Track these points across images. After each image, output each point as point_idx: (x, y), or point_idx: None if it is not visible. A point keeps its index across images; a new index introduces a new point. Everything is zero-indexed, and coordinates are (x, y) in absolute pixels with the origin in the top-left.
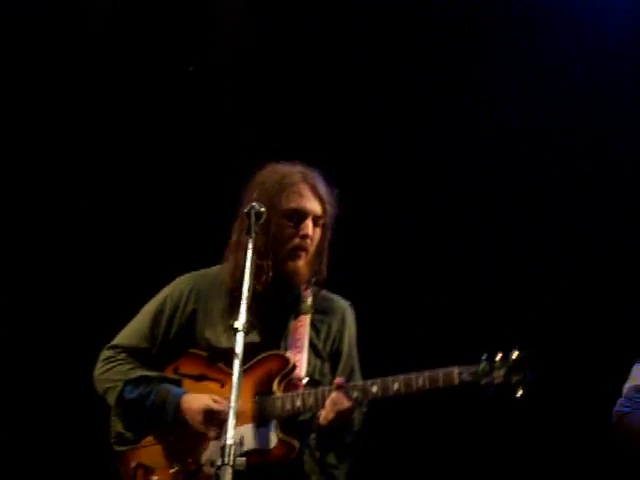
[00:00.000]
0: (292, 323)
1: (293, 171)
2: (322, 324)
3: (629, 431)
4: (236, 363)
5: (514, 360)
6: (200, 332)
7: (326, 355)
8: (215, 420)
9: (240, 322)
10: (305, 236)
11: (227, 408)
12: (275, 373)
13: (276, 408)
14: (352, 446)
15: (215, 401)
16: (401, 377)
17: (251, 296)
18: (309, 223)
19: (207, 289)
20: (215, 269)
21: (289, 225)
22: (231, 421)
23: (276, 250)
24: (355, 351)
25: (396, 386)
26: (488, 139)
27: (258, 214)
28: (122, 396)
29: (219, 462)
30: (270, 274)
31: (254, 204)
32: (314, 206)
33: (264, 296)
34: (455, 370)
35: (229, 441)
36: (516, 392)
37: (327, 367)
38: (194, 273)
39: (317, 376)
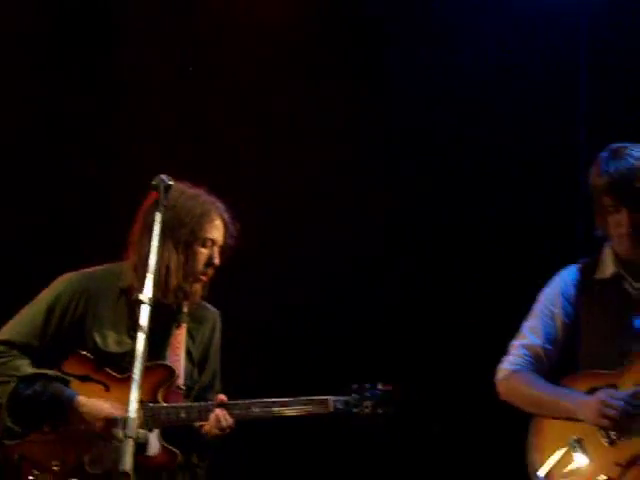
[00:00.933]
0: (174, 331)
1: (212, 203)
2: (197, 332)
3: (515, 388)
4: (140, 336)
5: (381, 393)
6: (88, 335)
7: (196, 361)
8: (115, 426)
9: (145, 295)
10: (214, 265)
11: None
12: (160, 382)
13: (161, 417)
14: (211, 446)
15: (115, 408)
16: (281, 400)
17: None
18: (218, 254)
19: (96, 291)
20: (102, 269)
21: (202, 252)
22: (134, 394)
23: (184, 270)
24: (218, 356)
25: (276, 409)
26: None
27: (167, 187)
28: (17, 392)
29: (121, 435)
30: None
31: (163, 177)
32: (224, 239)
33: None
34: (330, 399)
35: (132, 414)
36: (381, 423)
37: (196, 372)
38: (83, 272)
39: (190, 382)
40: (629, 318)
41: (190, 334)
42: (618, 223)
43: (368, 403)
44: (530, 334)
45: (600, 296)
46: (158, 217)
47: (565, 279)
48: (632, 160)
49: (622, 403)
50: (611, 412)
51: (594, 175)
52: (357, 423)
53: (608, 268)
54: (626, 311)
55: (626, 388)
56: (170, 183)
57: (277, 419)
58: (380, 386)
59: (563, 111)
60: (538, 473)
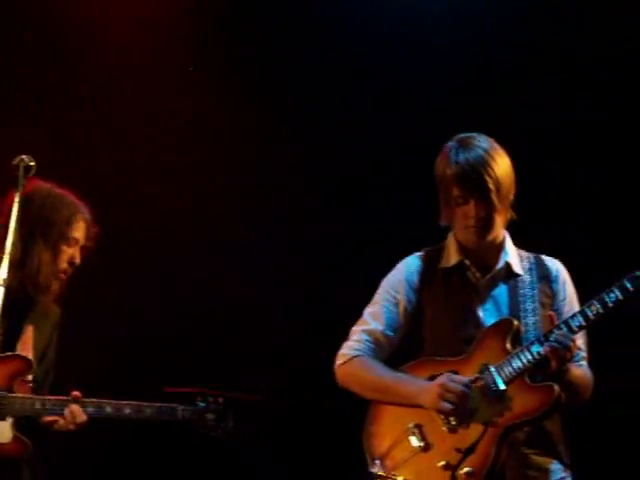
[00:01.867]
0: (26, 326)
1: (78, 204)
2: (44, 327)
3: (355, 373)
4: None
5: (222, 407)
6: None
7: (38, 356)
8: None
9: (1, 276)
10: (75, 264)
11: None
12: (16, 373)
13: (15, 407)
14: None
15: None
16: (133, 403)
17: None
18: (79, 253)
19: None
20: None
21: (66, 251)
22: None
23: (51, 268)
24: (55, 354)
25: (127, 410)
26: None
27: (27, 167)
28: None
29: None
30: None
31: (24, 157)
32: (86, 239)
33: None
34: (179, 407)
35: None
36: (220, 436)
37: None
38: None
39: (34, 376)
40: (472, 307)
41: (39, 329)
42: (466, 214)
43: (211, 416)
44: (372, 320)
45: (444, 284)
46: (17, 198)
47: (409, 266)
48: (480, 151)
49: (462, 387)
50: (451, 396)
51: (442, 165)
52: (202, 432)
53: (452, 257)
54: (469, 300)
55: (468, 375)
56: (31, 164)
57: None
58: (220, 399)
59: None
60: (376, 460)
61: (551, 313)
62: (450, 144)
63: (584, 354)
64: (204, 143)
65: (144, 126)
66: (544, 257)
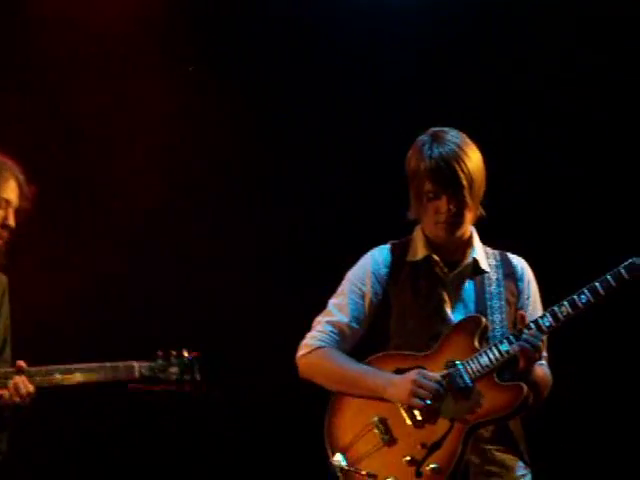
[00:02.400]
0: None
1: (7, 164)
2: None
3: (318, 364)
4: None
5: (186, 359)
6: None
7: None
8: None
9: None
10: (9, 227)
11: None
12: None
13: None
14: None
15: None
16: (83, 366)
17: None
18: (13, 215)
19: None
20: None
21: None
22: None
23: None
24: (9, 322)
25: (78, 375)
26: None
27: None
28: None
29: None
30: None
31: None
32: (19, 200)
33: None
34: (135, 364)
35: None
36: (187, 390)
37: None
38: None
39: None
40: (439, 302)
41: None
42: (437, 209)
43: (174, 369)
44: (337, 311)
45: (411, 278)
46: None
47: (376, 259)
48: (454, 146)
49: (435, 384)
50: (423, 392)
51: (415, 159)
52: (164, 389)
53: (419, 251)
54: (436, 295)
55: (434, 371)
56: None
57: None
58: (186, 353)
59: None
60: (338, 452)
61: (522, 312)
62: (423, 138)
63: (545, 354)
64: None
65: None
66: (510, 255)
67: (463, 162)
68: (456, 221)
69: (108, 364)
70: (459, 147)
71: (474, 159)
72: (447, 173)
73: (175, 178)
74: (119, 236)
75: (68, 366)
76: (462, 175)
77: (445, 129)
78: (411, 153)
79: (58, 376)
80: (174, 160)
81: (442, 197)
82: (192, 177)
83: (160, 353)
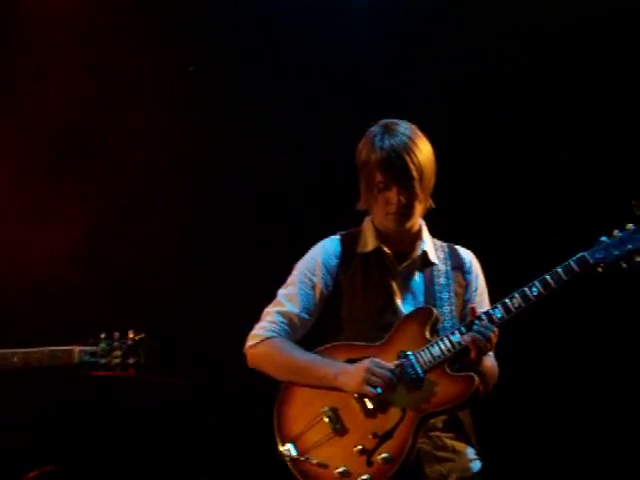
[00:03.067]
0: None
1: None
2: None
3: (269, 354)
4: None
5: (131, 342)
6: None
7: None
8: None
9: None
10: None
11: None
12: None
13: None
14: None
15: None
16: (20, 351)
17: None
18: None
19: None
20: None
21: None
22: None
23: None
24: None
25: (16, 359)
26: None
27: None
28: None
29: None
30: None
31: None
32: None
33: None
34: (76, 348)
35: None
36: (131, 374)
37: None
38: None
39: None
40: (390, 293)
41: None
42: (387, 201)
43: (117, 353)
44: (287, 302)
45: (361, 270)
46: None
47: (327, 250)
48: (405, 138)
49: (388, 373)
50: (376, 380)
51: (366, 150)
52: (106, 374)
53: (369, 242)
54: (387, 287)
55: (386, 361)
56: None
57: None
58: (131, 334)
59: None
60: (287, 442)
61: (473, 305)
62: (374, 129)
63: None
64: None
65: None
66: (458, 247)
67: (414, 154)
68: (406, 212)
69: (46, 348)
70: (410, 139)
71: (425, 151)
72: (398, 164)
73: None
74: None
75: (5, 350)
76: (412, 167)
77: (396, 121)
78: (362, 144)
79: None
80: None
81: (392, 188)
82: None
83: (103, 336)
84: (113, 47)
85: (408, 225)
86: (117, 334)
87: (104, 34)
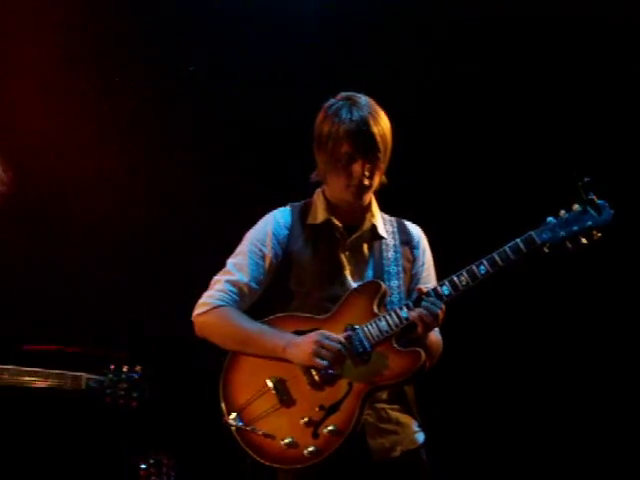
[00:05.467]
0: None
1: None
2: None
3: (216, 323)
4: None
5: (137, 376)
6: None
7: None
8: None
9: None
10: None
11: None
12: None
13: None
14: None
15: None
16: (31, 370)
17: None
18: None
19: None
20: None
21: None
22: None
23: None
24: None
25: (26, 378)
26: None
27: None
28: None
29: None
30: None
31: None
32: None
33: None
34: (84, 375)
35: None
36: (132, 406)
37: None
38: None
39: None
40: (338, 266)
41: None
42: (351, 173)
43: (123, 385)
44: (236, 271)
45: (311, 241)
46: None
47: (278, 220)
48: (371, 110)
49: (338, 345)
50: (326, 353)
51: (330, 122)
52: (109, 404)
53: (319, 214)
54: (335, 259)
55: (334, 333)
56: None
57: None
58: (137, 369)
59: None
60: (233, 411)
61: (421, 287)
62: (337, 102)
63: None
64: None
65: None
66: (406, 222)
67: (380, 126)
68: (367, 185)
69: (56, 371)
70: (375, 112)
71: (387, 125)
72: (367, 136)
73: None
74: None
75: (17, 367)
76: (379, 139)
77: (356, 94)
78: (323, 116)
79: (5, 376)
80: None
81: (358, 160)
82: None
83: (112, 367)
84: None
85: (366, 198)
86: (125, 367)
87: None
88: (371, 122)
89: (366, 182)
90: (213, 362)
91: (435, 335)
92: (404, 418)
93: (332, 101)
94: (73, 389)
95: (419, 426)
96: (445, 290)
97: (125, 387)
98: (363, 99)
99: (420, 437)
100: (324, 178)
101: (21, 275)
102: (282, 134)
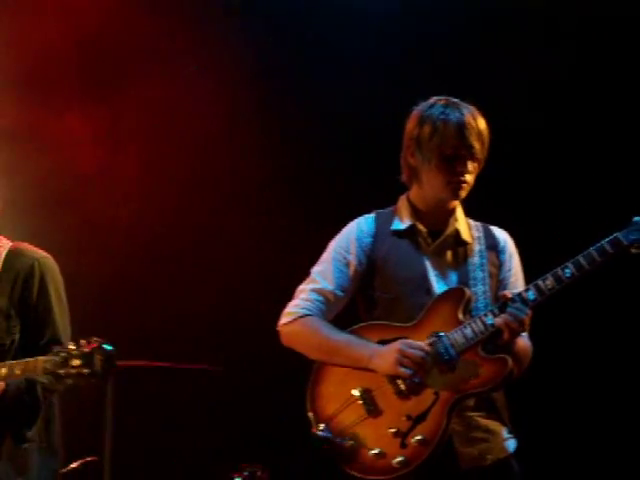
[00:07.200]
0: None
1: None
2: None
3: (303, 333)
4: None
5: (87, 350)
6: None
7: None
8: None
9: None
10: None
11: None
12: None
13: None
14: None
15: None
16: None
17: None
18: None
19: None
20: None
21: None
22: None
23: None
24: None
25: None
26: None
27: None
28: None
29: None
30: None
31: None
32: None
33: None
34: (40, 359)
35: None
36: (92, 382)
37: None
38: None
39: None
40: (423, 272)
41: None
42: (452, 170)
43: (75, 362)
44: (321, 279)
45: (395, 248)
46: None
47: (361, 227)
48: (469, 109)
49: (421, 354)
50: (409, 362)
51: (430, 121)
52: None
53: (404, 220)
54: (420, 265)
55: (418, 342)
56: None
57: None
58: (87, 342)
59: None
60: (321, 423)
61: (506, 292)
62: (434, 104)
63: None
64: None
65: None
66: (493, 227)
67: (483, 124)
68: (467, 182)
69: (11, 362)
70: (475, 111)
71: (485, 124)
72: (474, 132)
73: None
74: None
75: None
76: (483, 137)
77: (448, 97)
78: (421, 117)
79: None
80: None
81: (462, 156)
82: None
83: (70, 345)
84: None
85: (463, 196)
86: (73, 344)
87: None
88: (477, 119)
89: (468, 178)
90: (303, 373)
91: (524, 341)
92: (493, 425)
93: (427, 103)
94: (35, 374)
95: (510, 433)
96: (530, 295)
97: (78, 364)
98: (458, 101)
99: (511, 445)
100: (417, 179)
101: (111, 290)
102: (367, 142)
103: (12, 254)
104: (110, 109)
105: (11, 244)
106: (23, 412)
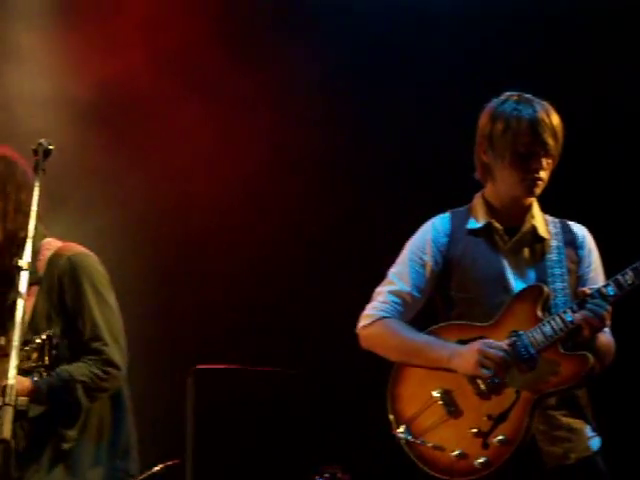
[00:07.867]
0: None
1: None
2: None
3: (382, 335)
4: (20, 303)
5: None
6: None
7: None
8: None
9: (25, 261)
10: None
11: None
12: None
13: None
14: None
15: None
16: None
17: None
18: None
19: None
20: None
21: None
22: (13, 361)
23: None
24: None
25: None
26: None
27: (47, 151)
28: None
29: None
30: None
31: (42, 141)
32: None
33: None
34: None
35: (11, 381)
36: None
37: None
38: None
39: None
40: (500, 271)
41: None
42: (527, 166)
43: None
44: (398, 280)
45: (471, 247)
46: (37, 182)
47: (437, 227)
48: (542, 105)
49: (501, 353)
50: (490, 363)
51: (503, 117)
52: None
53: (480, 218)
54: (497, 263)
55: (498, 341)
56: (50, 147)
57: None
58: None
59: None
60: (402, 424)
61: (584, 289)
62: (507, 101)
63: (607, 321)
64: None
65: None
66: (570, 223)
67: (557, 120)
68: (541, 179)
69: None
70: (549, 106)
71: (559, 120)
72: (549, 128)
73: None
74: None
75: None
76: (558, 133)
77: (521, 93)
78: (494, 113)
79: None
80: None
81: (537, 153)
82: None
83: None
84: None
85: (538, 193)
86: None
87: None
88: (550, 115)
89: (542, 174)
90: (382, 374)
91: (605, 337)
92: (576, 424)
93: (499, 100)
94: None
95: (594, 430)
96: (610, 290)
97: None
98: (531, 96)
99: (595, 443)
100: (491, 176)
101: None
102: (440, 147)
103: (54, 256)
104: None
105: (59, 246)
106: (61, 411)
